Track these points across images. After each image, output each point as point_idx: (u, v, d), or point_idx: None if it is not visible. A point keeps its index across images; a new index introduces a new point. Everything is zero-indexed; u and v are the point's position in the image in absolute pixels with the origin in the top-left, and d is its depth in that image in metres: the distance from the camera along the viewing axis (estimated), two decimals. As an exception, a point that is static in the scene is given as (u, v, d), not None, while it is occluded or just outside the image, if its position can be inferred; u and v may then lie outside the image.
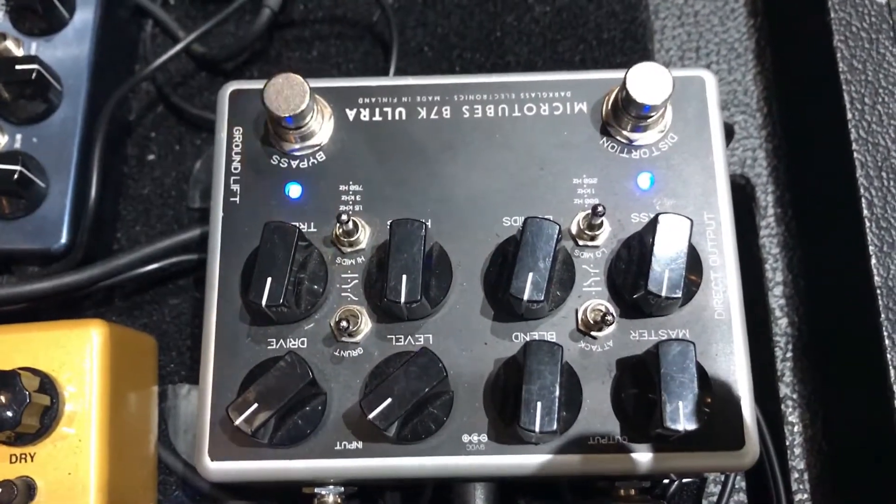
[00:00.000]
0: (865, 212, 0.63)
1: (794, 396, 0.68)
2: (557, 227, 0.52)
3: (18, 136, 0.67)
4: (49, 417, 0.57)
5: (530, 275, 0.51)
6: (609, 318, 0.53)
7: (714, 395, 0.53)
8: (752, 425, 0.53)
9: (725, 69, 0.77)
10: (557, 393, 0.49)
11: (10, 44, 0.68)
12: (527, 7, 0.78)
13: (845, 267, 0.65)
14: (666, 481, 0.64)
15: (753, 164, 0.74)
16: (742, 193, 0.74)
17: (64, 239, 0.66)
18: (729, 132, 0.72)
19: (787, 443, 0.67)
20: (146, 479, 0.65)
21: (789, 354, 0.69)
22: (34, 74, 0.65)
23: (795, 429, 0.67)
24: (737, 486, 0.67)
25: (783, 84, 0.75)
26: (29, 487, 0.56)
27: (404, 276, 0.52)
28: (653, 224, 0.52)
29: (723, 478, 0.65)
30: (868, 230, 0.62)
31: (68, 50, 0.69)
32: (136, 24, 0.79)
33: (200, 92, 0.77)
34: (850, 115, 0.65)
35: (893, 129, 0.64)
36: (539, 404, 0.49)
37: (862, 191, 0.63)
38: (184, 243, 0.68)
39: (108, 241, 0.73)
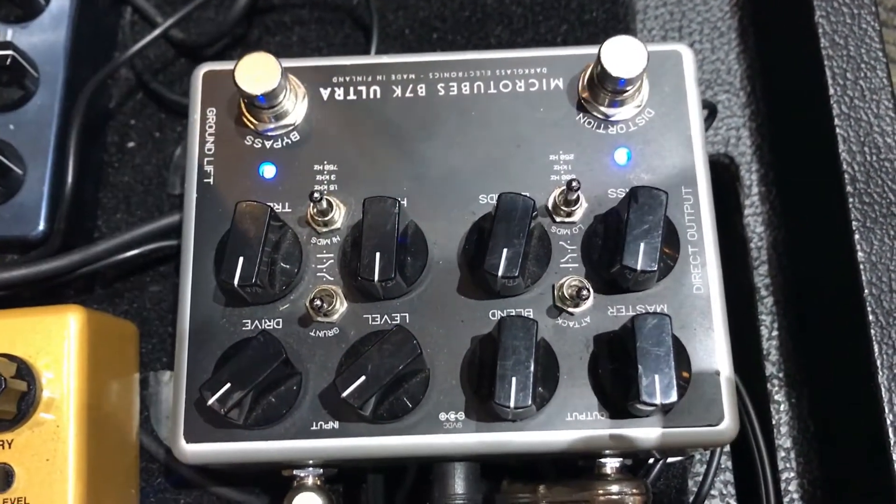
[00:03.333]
0: (848, 187, 0.62)
1: (780, 375, 0.68)
2: (532, 202, 0.52)
3: (-6, 124, 0.67)
4: (26, 403, 0.56)
5: (505, 251, 0.51)
6: (585, 293, 0.53)
7: (692, 370, 0.53)
8: (731, 400, 0.53)
9: (708, 48, 0.76)
10: (532, 368, 0.49)
11: (-15, 31, 0.68)
12: (508, -12, 0.78)
13: (829, 243, 0.64)
14: (651, 461, 0.64)
15: (737, 143, 0.74)
16: (726, 172, 0.74)
17: (42, 226, 0.65)
18: (712, 111, 0.71)
19: (774, 421, 0.67)
20: (128, 466, 0.65)
21: (775, 333, 0.69)
22: (9, 61, 0.64)
23: (781, 407, 0.67)
24: (723, 466, 0.67)
25: (766, 62, 0.75)
26: (6, 474, 0.56)
27: (378, 254, 0.51)
28: (628, 198, 0.52)
29: (708, 456, 0.65)
30: (851, 206, 0.62)
31: (45, 36, 0.69)
32: (115, 10, 0.78)
33: (180, 78, 0.77)
34: (832, 91, 0.65)
35: (876, 105, 0.64)
36: (514, 380, 0.49)
37: (844, 166, 0.63)
38: (164, 229, 0.67)
39: (88, 229, 0.72)
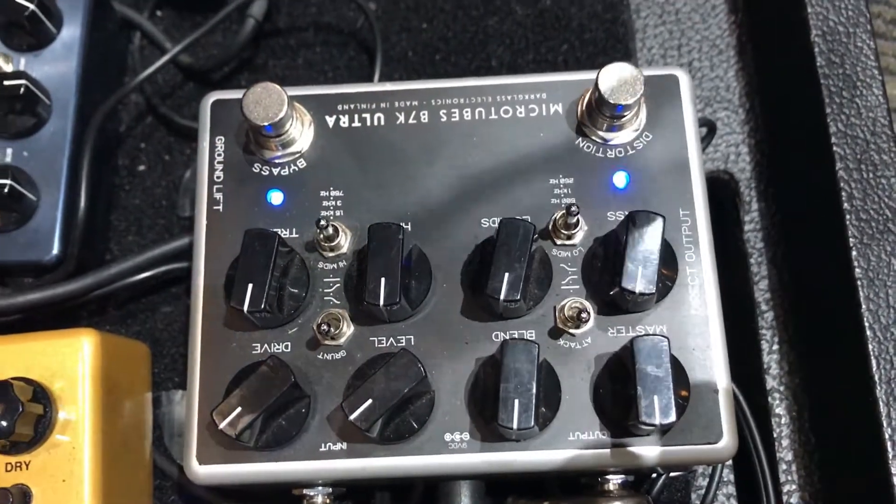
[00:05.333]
0: (845, 204, 0.63)
1: (781, 388, 0.69)
2: (532, 226, 0.53)
3: (9, 151, 0.68)
4: (43, 426, 0.57)
5: (506, 274, 0.52)
6: (585, 315, 0.54)
7: (691, 389, 0.54)
8: (730, 418, 0.54)
9: (707, 66, 0.77)
10: (534, 390, 0.50)
11: (-2, 60, 0.69)
12: (509, 10, 0.79)
13: (827, 259, 0.65)
14: (654, 476, 0.65)
15: (737, 160, 0.75)
16: (726, 189, 0.75)
17: (55, 250, 0.67)
18: (711, 128, 0.72)
19: (775, 434, 0.67)
20: (142, 484, 0.66)
21: (775, 347, 0.70)
22: (22, 90, 0.66)
23: (783, 420, 0.68)
24: (725, 479, 0.68)
25: (765, 79, 0.76)
26: (24, 495, 0.57)
27: (383, 279, 0.52)
28: (626, 222, 0.53)
29: (710, 469, 0.66)
30: (848, 222, 0.62)
31: (56, 64, 0.70)
32: (125, 36, 0.80)
33: (189, 102, 0.78)
34: (828, 109, 0.66)
35: (872, 122, 0.65)
36: (516, 402, 0.50)
37: (841, 184, 0.64)
38: (174, 251, 0.69)
39: (100, 252, 0.74)
